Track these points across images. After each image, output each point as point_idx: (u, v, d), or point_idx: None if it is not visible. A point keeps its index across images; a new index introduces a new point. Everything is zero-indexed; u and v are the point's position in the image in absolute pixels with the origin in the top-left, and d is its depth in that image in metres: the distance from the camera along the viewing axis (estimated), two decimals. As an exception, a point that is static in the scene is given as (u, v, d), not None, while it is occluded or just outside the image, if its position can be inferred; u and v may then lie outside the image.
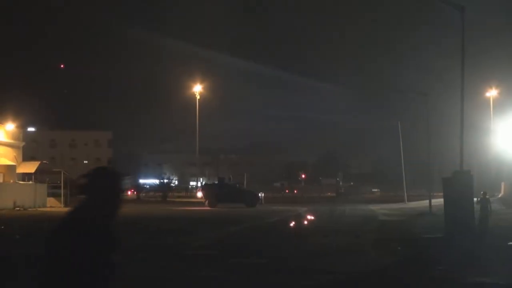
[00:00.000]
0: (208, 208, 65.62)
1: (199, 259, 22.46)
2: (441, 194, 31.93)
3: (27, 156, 78.44)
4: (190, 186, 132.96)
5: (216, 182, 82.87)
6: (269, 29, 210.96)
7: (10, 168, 66.65)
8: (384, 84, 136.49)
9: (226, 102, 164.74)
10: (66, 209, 60.81)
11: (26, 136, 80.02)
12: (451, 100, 42.94)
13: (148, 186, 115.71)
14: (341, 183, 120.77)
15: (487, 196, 30.95)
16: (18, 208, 60.82)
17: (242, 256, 22.95)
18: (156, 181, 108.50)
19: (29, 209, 61.49)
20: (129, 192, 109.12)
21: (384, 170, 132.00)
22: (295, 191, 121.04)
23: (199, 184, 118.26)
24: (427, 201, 55.06)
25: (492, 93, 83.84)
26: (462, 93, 31.82)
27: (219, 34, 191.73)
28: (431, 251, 24.99)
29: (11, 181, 65.59)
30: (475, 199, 29.68)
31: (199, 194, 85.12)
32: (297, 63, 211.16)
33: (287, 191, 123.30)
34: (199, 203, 73.58)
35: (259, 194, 75.89)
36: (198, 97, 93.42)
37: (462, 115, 31.89)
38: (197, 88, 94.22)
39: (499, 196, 68.53)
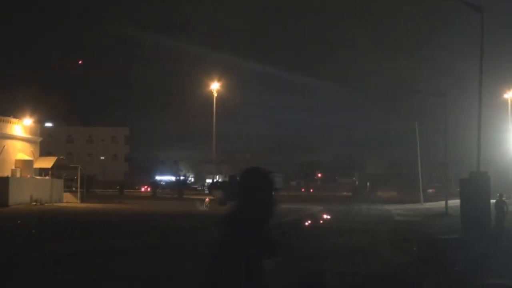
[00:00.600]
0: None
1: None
2: (458, 195, 31.84)
3: (44, 151, 78.66)
4: (206, 184, 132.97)
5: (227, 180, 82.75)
6: (286, 31, 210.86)
7: (27, 163, 66.85)
8: (402, 85, 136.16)
9: (243, 101, 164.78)
10: (82, 205, 61.27)
11: (43, 132, 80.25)
12: (469, 101, 42.78)
13: (164, 183, 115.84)
14: (357, 183, 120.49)
15: (503, 198, 30.82)
16: (34, 203, 61.00)
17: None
18: (172, 178, 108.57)
19: (46, 204, 61.68)
20: (142, 189, 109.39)
21: (400, 170, 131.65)
22: (311, 190, 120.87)
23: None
24: (443, 201, 54.85)
25: (510, 94, 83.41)
26: (480, 94, 31.70)
27: (235, 35, 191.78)
28: (447, 252, 24.88)
29: (28, 176, 65.78)
30: (491, 200, 29.57)
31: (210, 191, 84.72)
32: (315, 65, 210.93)
33: (303, 190, 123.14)
34: (213, 201, 73.46)
35: None
36: (215, 95, 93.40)
37: (480, 116, 31.77)
38: (214, 86, 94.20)
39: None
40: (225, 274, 5.22)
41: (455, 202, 43.60)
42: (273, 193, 5.33)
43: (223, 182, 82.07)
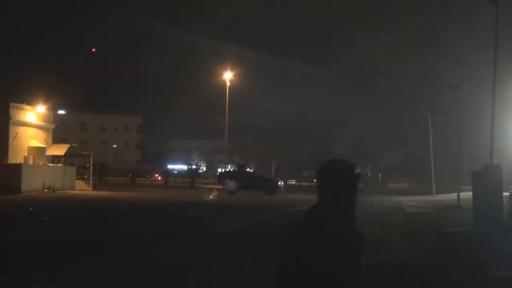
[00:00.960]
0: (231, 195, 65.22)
1: (224, 246, 22.48)
2: (470, 187, 31.73)
3: (57, 139, 78.86)
4: (218, 173, 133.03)
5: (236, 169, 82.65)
6: (303, 22, 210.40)
7: (40, 150, 67.05)
8: (415, 76, 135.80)
9: (256, 91, 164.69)
10: (94, 192, 61.36)
11: (56, 119, 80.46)
12: (483, 94, 42.64)
13: (176, 172, 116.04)
14: (369, 174, 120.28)
15: (516, 191, 30.75)
16: (47, 190, 61.23)
17: (269, 245, 22.91)
18: (184, 167, 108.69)
19: (58, 191, 61.90)
20: (159, 177, 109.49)
21: (413, 162, 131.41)
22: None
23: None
24: (456, 194, 54.74)
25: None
26: (493, 87, 31.57)
27: (249, 25, 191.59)
28: (458, 244, 24.85)
29: (41, 163, 65.99)
30: (504, 193, 29.48)
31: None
32: (331, 57, 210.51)
33: (315, 180, 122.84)
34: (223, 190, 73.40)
35: (279, 183, 75.61)
36: (228, 84, 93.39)
37: (493, 108, 31.65)
38: (228, 76, 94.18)
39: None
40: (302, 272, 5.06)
41: (467, 195, 43.45)
42: (356, 184, 5.36)
43: (232, 172, 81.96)
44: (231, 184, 68.14)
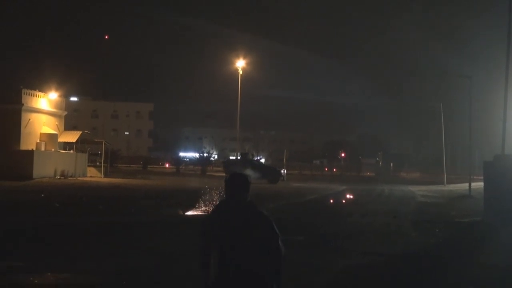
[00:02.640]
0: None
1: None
2: (481, 177, 31.70)
3: (69, 126, 79.06)
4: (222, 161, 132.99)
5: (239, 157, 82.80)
6: (316, 13, 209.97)
7: (52, 137, 67.21)
8: (428, 66, 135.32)
9: (270, 80, 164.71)
10: (106, 179, 61.44)
11: (68, 106, 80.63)
12: (496, 84, 42.48)
13: (187, 160, 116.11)
14: (381, 163, 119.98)
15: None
16: (58, 177, 61.45)
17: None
18: (196, 155, 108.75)
19: (70, 178, 62.12)
20: (167, 165, 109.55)
21: (424, 152, 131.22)
22: (334, 170, 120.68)
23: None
24: (467, 184, 54.67)
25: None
26: (506, 76, 31.47)
27: (262, 14, 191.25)
28: (469, 234, 24.84)
29: (53, 149, 66.17)
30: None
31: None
32: (343, 47, 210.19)
33: (326, 169, 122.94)
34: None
35: (282, 171, 75.77)
36: (240, 72, 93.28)
37: (505, 98, 31.57)
38: (240, 64, 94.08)
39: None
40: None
41: (478, 185, 43.39)
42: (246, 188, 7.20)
43: (235, 160, 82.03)
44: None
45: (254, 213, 7.07)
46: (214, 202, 30.40)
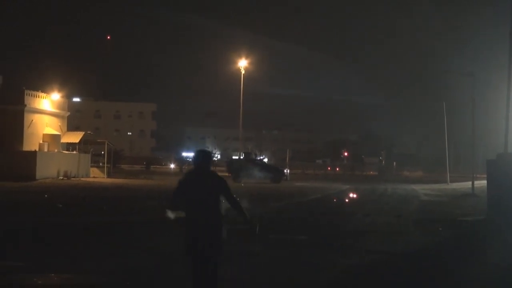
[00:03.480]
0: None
1: (236, 233, 22.47)
2: (485, 176, 31.64)
3: (71, 126, 79.16)
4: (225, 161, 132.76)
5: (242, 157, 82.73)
6: (317, 12, 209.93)
7: (55, 138, 67.24)
8: (431, 64, 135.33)
9: (272, 79, 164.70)
10: (109, 180, 61.45)
11: (71, 106, 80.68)
12: (498, 81, 42.43)
13: (190, 159, 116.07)
14: (383, 162, 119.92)
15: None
16: (62, 178, 61.48)
17: (281, 232, 22.92)
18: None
19: (73, 178, 62.15)
20: (172, 166, 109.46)
21: (427, 150, 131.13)
22: (337, 169, 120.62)
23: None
24: (470, 182, 54.57)
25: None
26: (509, 74, 31.40)
27: (264, 12, 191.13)
28: (473, 233, 24.78)
29: (56, 150, 66.19)
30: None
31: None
32: (345, 45, 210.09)
33: (329, 168, 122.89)
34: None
35: (285, 170, 75.72)
36: (243, 72, 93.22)
37: (508, 96, 31.50)
38: (242, 64, 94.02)
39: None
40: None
41: (482, 183, 43.35)
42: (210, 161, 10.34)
43: (238, 160, 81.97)
44: (235, 171, 67.88)
45: (215, 176, 10.32)
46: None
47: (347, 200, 45.45)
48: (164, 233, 22.25)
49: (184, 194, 10.07)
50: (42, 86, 69.64)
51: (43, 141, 65.60)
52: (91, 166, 71.36)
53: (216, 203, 10.06)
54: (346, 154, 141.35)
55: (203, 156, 10.30)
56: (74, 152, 69.69)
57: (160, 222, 23.60)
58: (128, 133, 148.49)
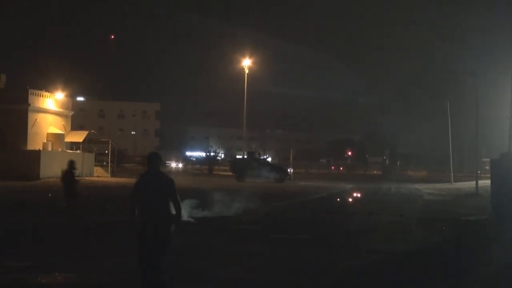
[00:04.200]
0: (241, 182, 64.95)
1: (240, 233, 22.49)
2: (488, 175, 31.63)
3: (75, 125, 79.18)
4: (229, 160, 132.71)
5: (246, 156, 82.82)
6: (322, 11, 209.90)
7: (59, 137, 67.31)
8: (435, 64, 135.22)
9: (276, 78, 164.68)
10: (113, 179, 61.44)
11: (75, 106, 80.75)
12: (503, 82, 42.42)
13: (194, 159, 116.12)
14: (387, 162, 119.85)
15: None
16: (65, 177, 61.45)
17: (284, 232, 22.93)
18: (203, 154, 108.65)
19: (76, 177, 62.04)
20: (174, 165, 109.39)
21: (431, 150, 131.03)
22: (341, 168, 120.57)
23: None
24: (474, 182, 54.55)
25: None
26: (512, 74, 31.40)
27: (268, 11, 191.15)
28: (476, 232, 24.78)
29: (59, 149, 66.26)
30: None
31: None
32: (347, 44, 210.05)
33: (333, 167, 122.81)
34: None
35: (288, 170, 75.74)
36: (246, 71, 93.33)
37: (511, 96, 31.51)
38: (246, 63, 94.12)
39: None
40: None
41: (485, 183, 43.29)
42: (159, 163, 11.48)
43: (241, 159, 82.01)
44: (239, 171, 68.12)
45: (164, 177, 11.35)
46: (218, 202, 30.33)
47: (350, 200, 45.44)
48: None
49: (139, 193, 11.30)
50: (46, 85, 69.76)
51: (47, 140, 65.66)
52: (95, 165, 71.40)
53: (165, 200, 11.20)
54: (350, 153, 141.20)
55: (154, 158, 11.49)
56: (78, 151, 69.76)
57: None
58: (132, 133, 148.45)
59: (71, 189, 24.61)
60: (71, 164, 25.34)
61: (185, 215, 12.55)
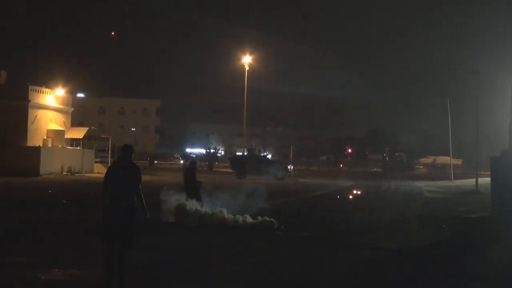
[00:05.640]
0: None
1: (240, 231, 22.45)
2: (489, 173, 31.59)
3: (75, 122, 79.14)
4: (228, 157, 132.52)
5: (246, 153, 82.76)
6: (321, 10, 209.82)
7: (59, 133, 67.29)
8: (436, 62, 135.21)
9: (277, 75, 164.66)
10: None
11: (75, 102, 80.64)
12: (503, 79, 42.38)
13: (194, 156, 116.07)
14: (387, 159, 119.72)
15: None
16: (65, 173, 61.52)
17: (284, 229, 22.90)
18: (203, 151, 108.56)
19: (76, 174, 62.19)
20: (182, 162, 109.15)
21: (432, 147, 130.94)
22: (341, 166, 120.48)
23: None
24: (474, 179, 54.52)
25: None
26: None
27: (268, 10, 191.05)
28: (476, 230, 24.76)
29: (60, 146, 66.24)
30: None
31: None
32: (347, 41, 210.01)
33: (341, 166, 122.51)
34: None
35: (288, 167, 75.64)
36: (247, 68, 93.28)
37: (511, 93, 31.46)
38: (246, 60, 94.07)
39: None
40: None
41: (486, 180, 43.26)
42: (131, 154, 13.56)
43: (242, 156, 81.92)
44: (239, 168, 68.04)
45: (134, 165, 13.44)
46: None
47: (350, 197, 45.38)
48: (164, 230, 22.29)
49: (111, 178, 13.16)
50: (46, 81, 69.75)
51: (47, 137, 65.65)
52: (95, 162, 71.38)
53: (133, 185, 13.14)
54: (350, 151, 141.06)
55: (126, 150, 13.54)
56: (78, 147, 69.74)
57: (159, 221, 23.71)
58: (132, 129, 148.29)
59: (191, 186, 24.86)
60: (193, 162, 27.30)
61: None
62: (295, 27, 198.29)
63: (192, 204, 24.02)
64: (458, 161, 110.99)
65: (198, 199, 24.77)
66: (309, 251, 18.86)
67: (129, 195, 13.10)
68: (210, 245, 19.49)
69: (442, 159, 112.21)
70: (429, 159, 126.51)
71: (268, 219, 23.27)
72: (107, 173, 13.48)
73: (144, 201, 13.31)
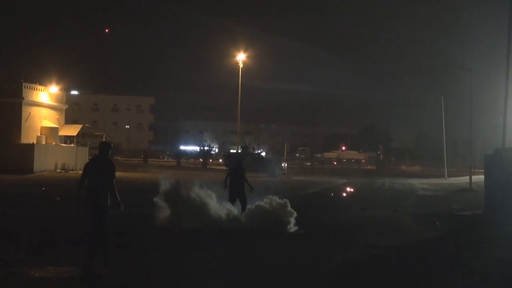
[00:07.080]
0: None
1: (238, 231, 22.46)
2: (482, 170, 31.63)
3: (69, 119, 79.10)
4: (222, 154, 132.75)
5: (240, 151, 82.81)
6: (318, 5, 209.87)
7: (53, 131, 67.23)
8: (429, 59, 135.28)
9: (270, 72, 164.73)
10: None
11: (69, 99, 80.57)
12: (498, 77, 42.43)
13: (188, 153, 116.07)
14: (381, 156, 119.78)
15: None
16: (59, 170, 61.47)
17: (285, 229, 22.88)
18: (197, 148, 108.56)
19: (70, 171, 62.14)
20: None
21: (426, 145, 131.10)
22: (335, 163, 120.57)
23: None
24: (467, 177, 54.63)
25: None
26: (507, 69, 31.40)
27: (263, 6, 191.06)
28: (470, 227, 24.78)
29: (53, 143, 66.19)
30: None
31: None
32: (343, 38, 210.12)
33: (335, 162, 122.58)
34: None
35: (282, 164, 75.59)
36: (241, 65, 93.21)
37: (506, 91, 31.50)
38: (240, 57, 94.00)
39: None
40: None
41: (479, 178, 43.33)
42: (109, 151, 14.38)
43: (235, 153, 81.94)
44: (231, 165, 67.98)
45: (109, 162, 14.27)
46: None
47: (344, 194, 45.43)
48: (161, 228, 22.30)
49: (89, 170, 14.22)
50: (40, 79, 69.60)
51: (41, 134, 65.59)
52: (89, 159, 71.28)
53: (107, 178, 14.05)
54: (344, 148, 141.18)
55: (103, 147, 14.40)
56: (72, 145, 69.70)
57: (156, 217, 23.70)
58: (126, 126, 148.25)
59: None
60: (239, 162, 27.67)
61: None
62: (289, 24, 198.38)
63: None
64: (361, 156, 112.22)
65: (245, 205, 24.94)
66: (302, 248, 18.88)
67: (103, 190, 13.96)
68: (206, 241, 19.49)
69: (348, 154, 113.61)
70: (333, 154, 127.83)
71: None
72: (84, 168, 14.43)
73: (118, 195, 14.12)
